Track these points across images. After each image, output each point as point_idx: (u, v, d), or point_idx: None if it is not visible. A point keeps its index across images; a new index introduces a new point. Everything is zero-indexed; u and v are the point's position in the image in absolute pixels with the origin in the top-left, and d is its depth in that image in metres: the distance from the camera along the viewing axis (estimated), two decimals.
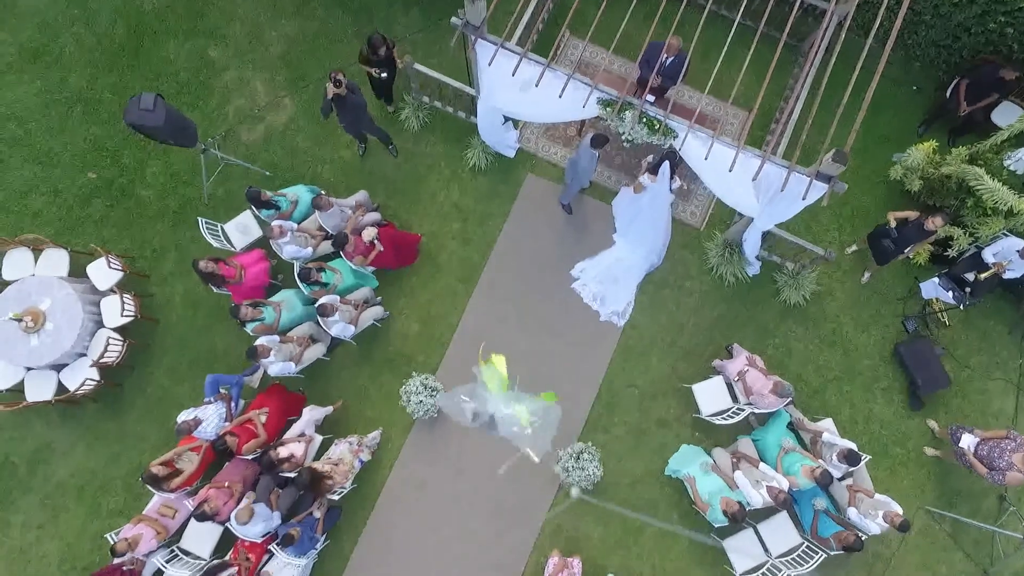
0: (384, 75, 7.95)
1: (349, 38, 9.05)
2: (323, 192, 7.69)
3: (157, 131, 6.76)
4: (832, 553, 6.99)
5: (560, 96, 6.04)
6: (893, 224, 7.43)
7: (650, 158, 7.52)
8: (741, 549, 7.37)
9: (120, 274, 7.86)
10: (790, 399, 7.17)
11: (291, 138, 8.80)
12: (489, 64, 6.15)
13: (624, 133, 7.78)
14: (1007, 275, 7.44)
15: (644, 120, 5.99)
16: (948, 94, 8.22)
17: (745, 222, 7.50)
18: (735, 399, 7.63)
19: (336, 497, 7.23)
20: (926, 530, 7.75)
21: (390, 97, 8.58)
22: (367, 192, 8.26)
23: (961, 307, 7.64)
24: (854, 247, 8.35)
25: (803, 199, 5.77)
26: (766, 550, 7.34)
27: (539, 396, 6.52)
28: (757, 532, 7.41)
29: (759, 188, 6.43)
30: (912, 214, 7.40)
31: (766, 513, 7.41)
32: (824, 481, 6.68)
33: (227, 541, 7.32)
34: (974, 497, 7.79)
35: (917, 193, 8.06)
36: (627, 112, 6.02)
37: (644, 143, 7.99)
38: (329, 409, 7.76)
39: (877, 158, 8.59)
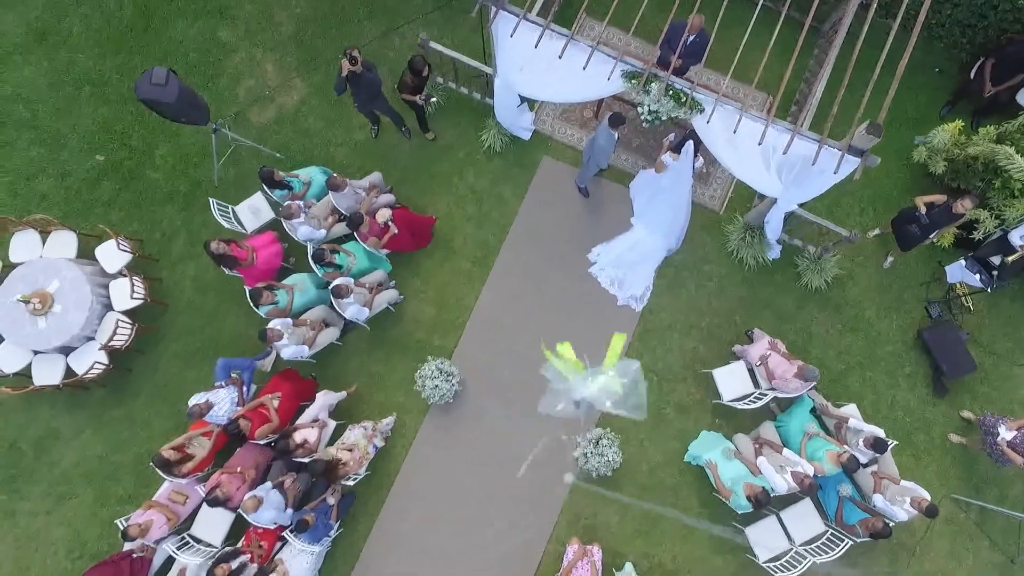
0: (433, 99, 7.84)
1: (360, 19, 8.90)
2: (336, 173, 7.54)
3: (170, 107, 6.60)
4: (858, 540, 6.84)
5: (585, 68, 5.88)
6: (924, 210, 7.24)
7: (671, 137, 7.37)
8: (764, 537, 7.21)
9: (129, 256, 7.70)
10: (814, 383, 7.01)
11: (303, 120, 8.64)
12: (511, 36, 5.99)
13: (643, 113, 7.64)
14: None
15: (671, 92, 5.83)
16: (972, 75, 8.07)
17: (767, 204, 7.35)
18: (756, 385, 7.48)
19: (350, 483, 7.07)
20: (952, 518, 7.60)
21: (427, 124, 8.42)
22: (381, 174, 8.10)
23: (988, 290, 7.48)
24: (876, 231, 8.20)
25: (835, 173, 5.60)
26: (789, 538, 7.18)
27: (610, 351, 6.63)
28: (780, 520, 7.26)
29: (782, 167, 6.29)
30: (939, 198, 7.24)
31: (789, 500, 7.25)
32: (851, 467, 6.53)
33: (239, 528, 7.17)
34: (1001, 484, 7.63)
35: (941, 175, 7.91)
36: (653, 84, 5.86)
37: (661, 125, 7.88)
38: (343, 394, 7.60)
39: (899, 141, 8.43)
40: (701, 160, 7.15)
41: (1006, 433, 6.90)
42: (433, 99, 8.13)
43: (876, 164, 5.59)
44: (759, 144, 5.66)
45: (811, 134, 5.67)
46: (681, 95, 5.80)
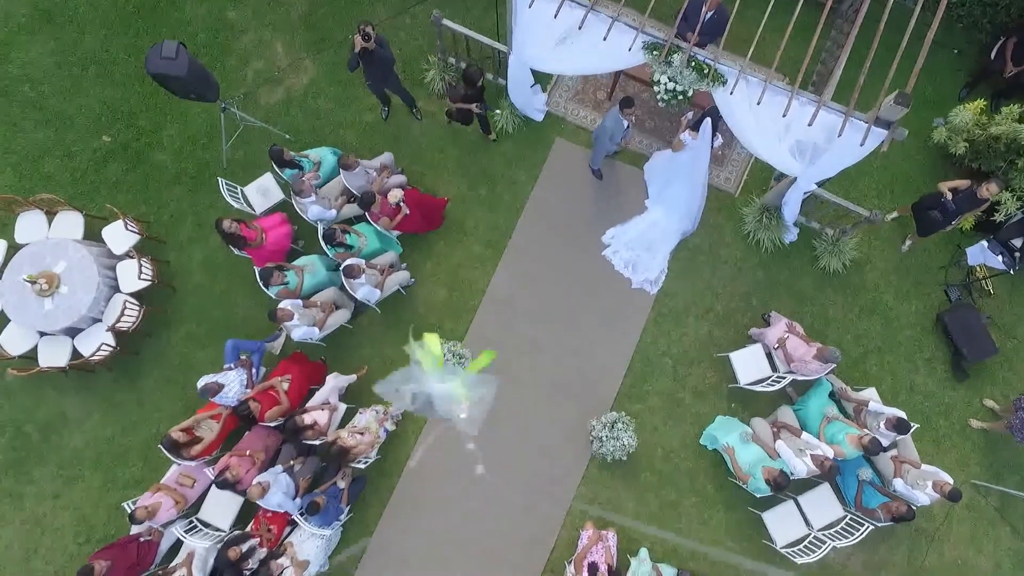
0: (485, 109, 7.72)
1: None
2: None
3: (180, 82, 6.50)
4: (879, 525, 6.72)
5: (605, 38, 5.75)
6: (950, 195, 7.06)
7: (689, 115, 7.24)
8: (782, 522, 7.10)
9: (137, 237, 7.59)
10: (834, 364, 6.88)
11: (312, 101, 8.53)
12: (530, 6, 5.87)
13: (659, 92, 7.52)
14: None
15: (693, 64, 5.70)
16: (992, 56, 7.95)
17: (784, 184, 7.23)
18: (774, 368, 7.36)
19: (361, 466, 6.95)
20: (972, 504, 7.48)
21: (488, 125, 8.21)
22: (392, 154, 7.98)
23: (1011, 272, 7.36)
24: (894, 214, 8.07)
25: (861, 145, 5.47)
26: (807, 523, 7.06)
27: (475, 359, 6.44)
28: (798, 505, 7.13)
29: (803, 145, 6.16)
30: (963, 183, 7.08)
31: (807, 486, 7.13)
32: (873, 449, 6.41)
33: (248, 512, 7.07)
34: (1023, 469, 7.51)
35: (961, 156, 7.77)
36: (675, 56, 5.73)
37: (677, 105, 7.76)
38: (353, 377, 7.49)
39: (917, 123, 8.28)
40: (720, 139, 7.04)
41: None
42: (496, 111, 7.93)
43: (903, 137, 5.46)
44: (783, 116, 5.52)
45: (836, 106, 5.54)
46: (704, 67, 5.67)
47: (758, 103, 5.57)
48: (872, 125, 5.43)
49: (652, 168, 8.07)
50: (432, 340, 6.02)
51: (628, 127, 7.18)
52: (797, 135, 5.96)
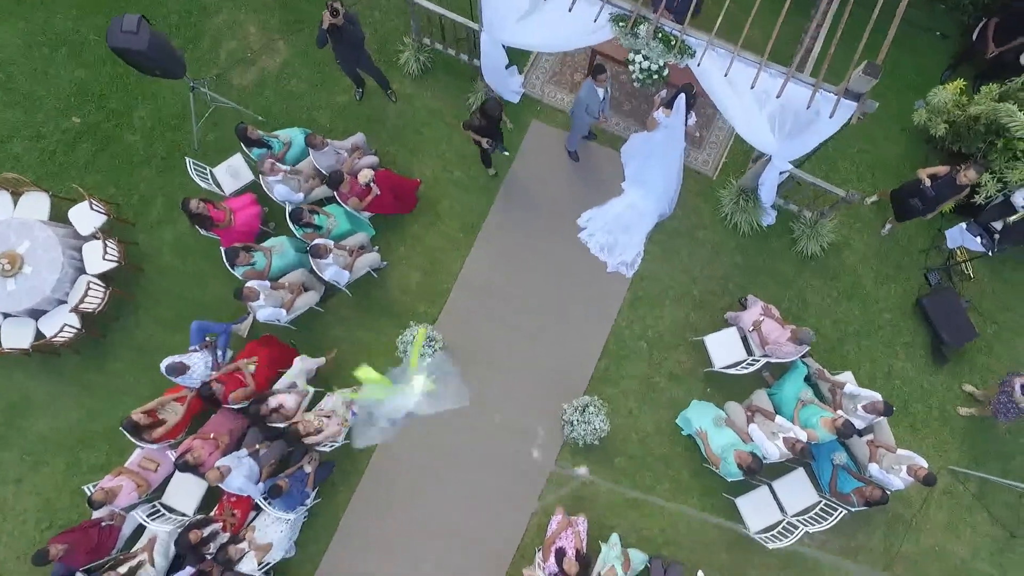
0: (506, 153, 7.53)
1: None
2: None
3: (143, 57, 6.36)
4: (853, 510, 6.61)
5: (570, 10, 5.64)
6: (928, 181, 6.92)
7: (663, 93, 7.12)
8: (755, 508, 6.98)
9: (103, 218, 7.47)
10: (809, 346, 6.78)
11: (285, 83, 8.41)
12: None
13: (634, 71, 7.39)
14: None
15: (660, 36, 5.59)
16: (975, 37, 7.83)
17: (761, 165, 7.11)
18: (749, 352, 7.25)
19: (327, 450, 6.83)
20: (950, 491, 7.36)
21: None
22: (364, 135, 7.86)
23: (990, 254, 7.25)
24: (874, 198, 7.96)
25: (830, 117, 5.35)
26: (781, 508, 6.95)
27: (413, 350, 7.01)
28: (772, 490, 7.02)
29: (775, 118, 6.04)
30: (942, 169, 6.95)
31: (781, 471, 7.03)
32: (846, 432, 6.29)
33: (213, 497, 6.95)
34: (1002, 457, 7.40)
35: (942, 138, 7.65)
36: (641, 27, 5.62)
37: (653, 85, 7.62)
38: (321, 360, 7.37)
39: (898, 105, 8.17)
40: (694, 118, 6.93)
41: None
42: (506, 153, 7.66)
43: (874, 109, 5.34)
44: (751, 87, 5.40)
45: (805, 78, 5.42)
46: (671, 38, 5.55)
47: (725, 75, 5.45)
48: (841, 97, 5.31)
49: (629, 151, 7.95)
50: (366, 371, 6.72)
51: (604, 98, 7.06)
52: (771, 108, 5.84)
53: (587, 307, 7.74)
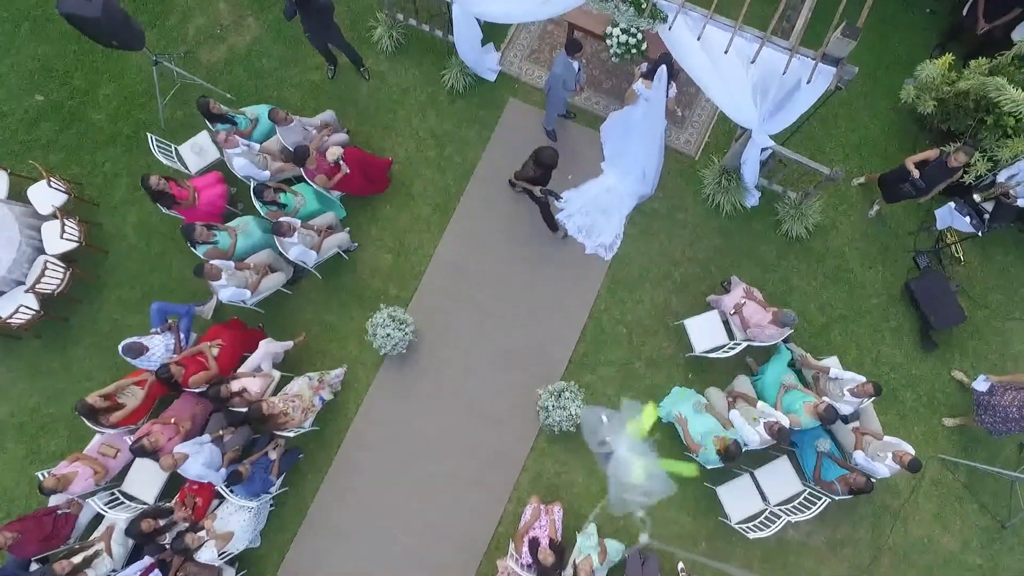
0: (553, 197, 6.98)
1: None
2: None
3: (96, 25, 6.12)
4: (837, 498, 6.35)
5: None
6: (916, 174, 6.66)
7: (643, 66, 6.86)
8: (737, 497, 6.73)
9: (64, 196, 7.23)
10: (792, 329, 6.53)
11: (255, 60, 8.17)
12: None
13: (612, 45, 7.18)
14: (1020, 202, 6.83)
15: (631, 0, 5.34)
16: (965, 12, 7.59)
17: (744, 142, 6.86)
18: (731, 336, 7.00)
19: (292, 435, 6.58)
20: (939, 480, 7.11)
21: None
22: (334, 112, 7.61)
23: (980, 234, 7.00)
24: (861, 179, 7.72)
25: (807, 83, 5.10)
26: (764, 498, 6.70)
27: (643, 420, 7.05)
28: (754, 478, 6.78)
29: (758, 90, 5.80)
30: (930, 154, 6.68)
31: (764, 459, 6.78)
32: (829, 417, 6.05)
33: (175, 486, 6.71)
34: (991, 446, 7.14)
35: (930, 116, 7.41)
36: None
37: (631, 60, 7.39)
38: (289, 344, 7.12)
39: (887, 84, 7.95)
40: (674, 89, 6.67)
41: (981, 384, 6.45)
42: (562, 200, 7.22)
43: (853, 75, 5.09)
44: (725, 52, 5.15)
45: (781, 42, 5.17)
46: (642, 2, 5.30)
47: (698, 38, 5.20)
48: (819, 62, 5.06)
49: (608, 129, 7.70)
50: (650, 413, 6.99)
51: (580, 69, 6.81)
52: (750, 79, 5.59)
53: (564, 291, 7.50)
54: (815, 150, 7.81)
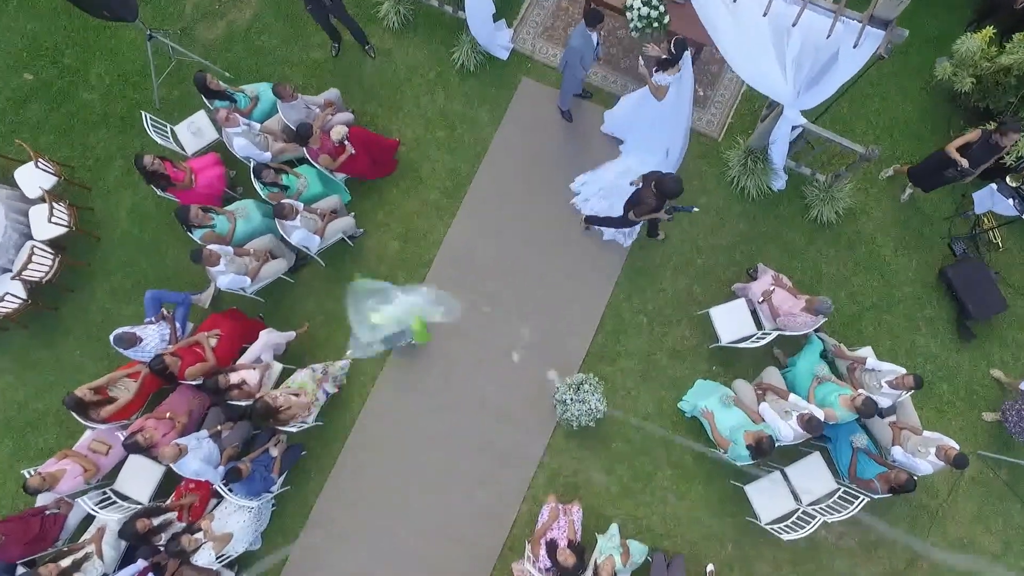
0: (676, 211, 6.26)
1: None
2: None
3: None
4: (876, 497, 5.96)
5: None
6: (965, 163, 6.23)
7: (642, 60, 6.36)
8: (767, 496, 6.35)
9: (53, 179, 6.84)
10: (826, 317, 6.15)
11: (255, 37, 7.78)
12: None
13: (632, 19, 6.80)
14: None
15: None
16: None
17: (772, 121, 6.49)
18: (759, 325, 6.61)
19: (294, 430, 6.20)
20: (979, 478, 6.73)
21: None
22: (339, 91, 7.23)
23: (1023, 217, 6.61)
24: (890, 172, 7.31)
25: (854, 47, 4.72)
26: (795, 497, 6.31)
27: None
28: (785, 476, 6.38)
29: (792, 62, 5.42)
30: (973, 136, 6.30)
31: (795, 455, 6.40)
32: (867, 410, 5.66)
33: (170, 484, 6.33)
34: None
35: (967, 95, 7.04)
36: None
37: (652, 34, 6.98)
38: (291, 334, 6.73)
39: (919, 62, 7.58)
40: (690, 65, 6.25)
41: None
42: (695, 210, 6.36)
43: (903, 39, 4.71)
44: (764, 15, 4.77)
45: (824, 3, 4.78)
46: None
47: (734, 0, 4.82)
48: (867, 25, 4.67)
49: (623, 110, 7.28)
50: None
51: (598, 44, 6.41)
52: (786, 47, 5.21)
53: (581, 279, 7.11)
54: (844, 131, 7.38)
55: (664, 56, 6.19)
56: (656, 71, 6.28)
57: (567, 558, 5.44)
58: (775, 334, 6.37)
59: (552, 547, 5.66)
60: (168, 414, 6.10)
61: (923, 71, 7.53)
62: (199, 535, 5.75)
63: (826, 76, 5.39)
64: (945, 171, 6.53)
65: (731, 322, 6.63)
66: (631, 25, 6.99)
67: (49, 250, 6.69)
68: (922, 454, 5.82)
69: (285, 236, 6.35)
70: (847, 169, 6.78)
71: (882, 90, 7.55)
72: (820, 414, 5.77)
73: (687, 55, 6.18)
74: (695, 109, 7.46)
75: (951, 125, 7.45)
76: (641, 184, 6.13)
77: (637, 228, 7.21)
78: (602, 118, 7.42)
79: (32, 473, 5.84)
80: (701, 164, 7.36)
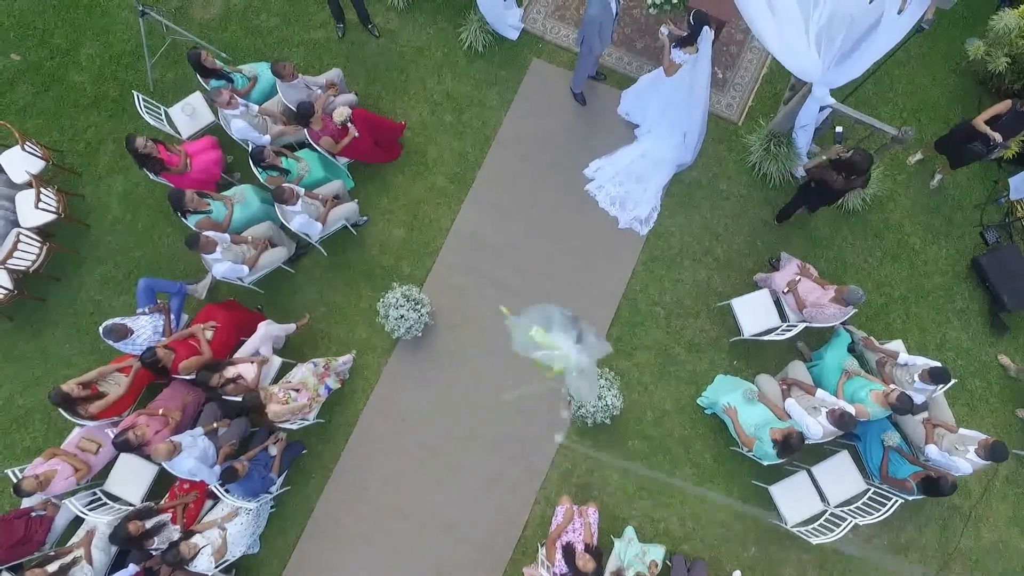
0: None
1: None
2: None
3: None
4: (911, 498, 5.64)
5: None
6: (998, 136, 5.94)
7: (664, 30, 6.03)
8: (792, 497, 6.02)
9: (41, 163, 6.50)
10: (855, 308, 5.82)
11: (253, 17, 7.44)
12: None
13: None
14: None
15: None
16: None
17: (798, 102, 6.16)
18: (783, 318, 6.29)
19: (294, 427, 5.87)
20: (1014, 478, 6.41)
21: None
22: (341, 71, 6.89)
23: None
24: (918, 156, 6.99)
25: (899, 13, 4.38)
26: (823, 498, 5.98)
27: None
28: (812, 476, 6.06)
29: (823, 36, 5.10)
30: (1001, 108, 6.01)
31: (822, 454, 6.07)
32: (903, 406, 5.34)
33: (163, 485, 5.99)
34: None
35: (1000, 76, 6.72)
36: None
37: (671, 12, 6.67)
38: (291, 327, 6.40)
39: (946, 43, 7.27)
40: (711, 35, 5.91)
41: None
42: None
43: (952, 5, 4.37)
44: None
45: None
46: None
47: None
48: None
49: (638, 93, 6.96)
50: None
51: (617, 12, 6.06)
52: (818, 20, 4.88)
53: (595, 269, 6.78)
54: (869, 114, 7.07)
55: (684, 33, 5.87)
56: (674, 47, 5.96)
57: (586, 563, 5.12)
58: (802, 326, 6.05)
59: (568, 551, 5.33)
60: (161, 410, 5.76)
61: (952, 52, 7.21)
62: (198, 539, 5.41)
63: (858, 52, 5.06)
64: (972, 144, 6.21)
65: (754, 314, 6.31)
66: (648, 3, 6.68)
67: (36, 238, 6.36)
68: (960, 452, 5.49)
69: (285, 222, 6.03)
70: (876, 152, 6.44)
71: (909, 72, 7.23)
72: (851, 410, 5.45)
73: (706, 33, 5.86)
74: (714, 91, 7.15)
75: (981, 109, 7.09)
76: (813, 175, 5.85)
77: (654, 216, 6.89)
78: (618, 99, 7.10)
79: (17, 473, 5.50)
80: (721, 149, 7.04)
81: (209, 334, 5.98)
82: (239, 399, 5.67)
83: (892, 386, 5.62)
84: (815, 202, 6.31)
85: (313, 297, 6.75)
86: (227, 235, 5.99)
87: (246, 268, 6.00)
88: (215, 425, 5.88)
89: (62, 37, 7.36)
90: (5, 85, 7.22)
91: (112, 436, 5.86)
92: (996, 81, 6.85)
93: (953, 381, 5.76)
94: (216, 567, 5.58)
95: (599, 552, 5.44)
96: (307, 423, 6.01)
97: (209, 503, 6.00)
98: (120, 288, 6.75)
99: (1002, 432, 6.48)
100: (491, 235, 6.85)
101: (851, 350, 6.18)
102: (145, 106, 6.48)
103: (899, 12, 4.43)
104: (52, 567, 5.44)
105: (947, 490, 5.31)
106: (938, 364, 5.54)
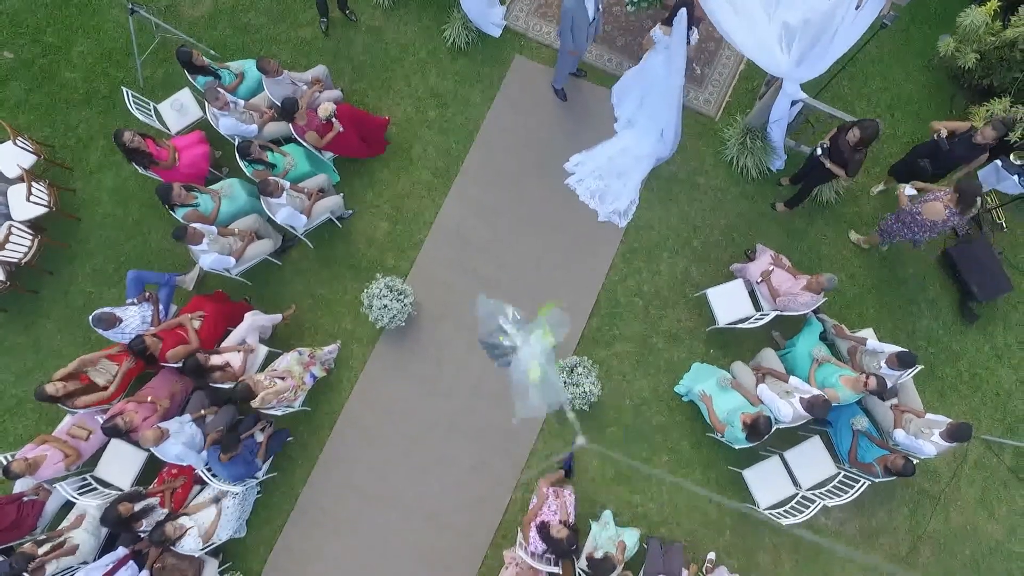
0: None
1: None
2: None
3: None
4: (877, 481, 5.80)
5: None
6: (945, 134, 6.01)
7: (655, 32, 6.21)
8: (765, 480, 6.18)
9: (32, 157, 6.65)
10: (825, 297, 5.98)
11: (242, 15, 7.60)
12: None
13: None
14: None
15: None
16: None
17: (771, 97, 6.33)
18: (758, 307, 6.45)
19: (280, 414, 6.02)
20: (982, 463, 6.58)
21: None
22: (327, 68, 7.04)
23: None
24: (880, 187, 7.05)
25: (856, 8, 4.55)
26: (795, 482, 6.15)
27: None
28: (784, 461, 6.22)
29: (785, 31, 5.27)
30: (960, 125, 6.07)
31: (794, 439, 6.24)
32: (880, 388, 5.49)
33: (152, 470, 6.14)
34: None
35: (970, 72, 6.88)
36: None
37: (649, 8, 6.83)
38: (277, 317, 6.55)
39: (920, 40, 7.44)
40: (696, 35, 6.09)
41: None
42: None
43: (907, 1, 4.54)
44: None
45: None
46: None
47: None
48: None
49: (622, 89, 7.14)
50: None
51: (596, 15, 6.16)
52: (783, 16, 5.05)
53: (576, 261, 6.94)
54: (844, 110, 7.22)
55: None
56: (657, 26, 6.14)
57: (560, 530, 5.29)
58: (773, 315, 6.21)
59: (544, 530, 5.49)
60: (149, 398, 5.92)
61: (925, 49, 7.37)
62: (184, 520, 5.57)
63: (822, 45, 5.22)
64: (922, 160, 6.30)
65: (729, 303, 6.47)
66: (627, 0, 6.84)
67: (28, 231, 6.50)
68: (926, 435, 5.66)
69: (270, 214, 6.18)
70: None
71: (883, 68, 7.39)
72: (824, 396, 5.61)
73: (682, 16, 5.91)
74: (692, 87, 7.32)
75: (953, 104, 7.30)
76: (827, 153, 6.02)
77: (633, 209, 7.04)
78: (598, 96, 7.27)
79: (11, 458, 5.64)
80: (698, 143, 7.20)
81: (197, 323, 6.12)
82: (226, 386, 5.82)
83: (863, 373, 5.78)
84: (818, 180, 6.48)
85: (300, 289, 6.90)
86: (214, 227, 6.14)
87: (232, 260, 6.15)
88: (203, 412, 6.04)
89: (54, 35, 7.51)
90: None
91: (101, 423, 6.02)
92: (967, 76, 7.01)
93: (920, 367, 5.93)
94: (202, 549, 5.74)
95: (575, 528, 5.60)
96: (292, 410, 6.16)
97: (196, 488, 6.15)
98: (111, 280, 6.90)
99: (971, 418, 6.65)
100: (473, 228, 7.00)
101: (823, 338, 6.35)
102: (134, 102, 6.63)
103: (857, 8, 4.59)
104: (44, 548, 5.58)
105: (907, 471, 5.48)
106: (905, 350, 5.71)
